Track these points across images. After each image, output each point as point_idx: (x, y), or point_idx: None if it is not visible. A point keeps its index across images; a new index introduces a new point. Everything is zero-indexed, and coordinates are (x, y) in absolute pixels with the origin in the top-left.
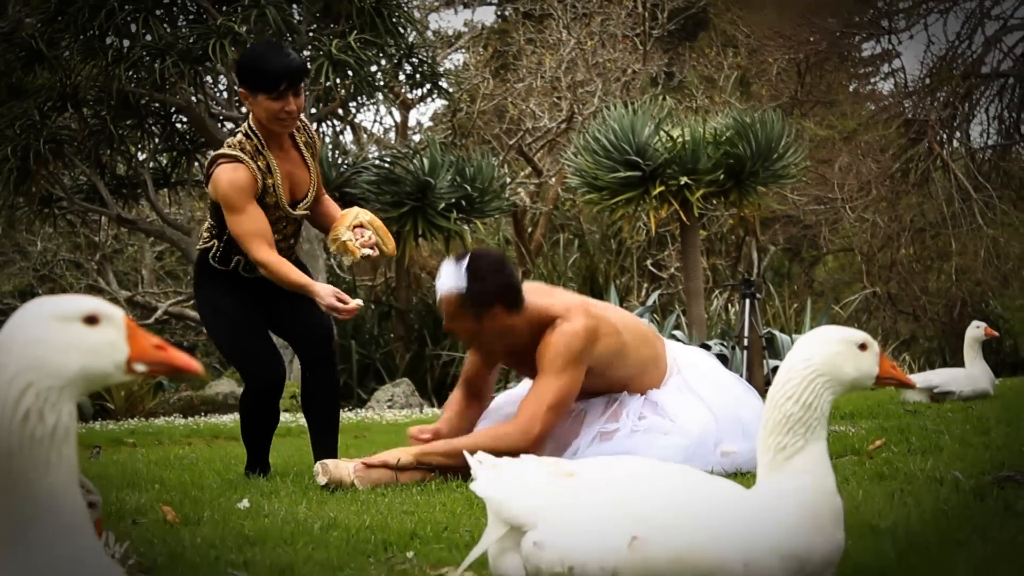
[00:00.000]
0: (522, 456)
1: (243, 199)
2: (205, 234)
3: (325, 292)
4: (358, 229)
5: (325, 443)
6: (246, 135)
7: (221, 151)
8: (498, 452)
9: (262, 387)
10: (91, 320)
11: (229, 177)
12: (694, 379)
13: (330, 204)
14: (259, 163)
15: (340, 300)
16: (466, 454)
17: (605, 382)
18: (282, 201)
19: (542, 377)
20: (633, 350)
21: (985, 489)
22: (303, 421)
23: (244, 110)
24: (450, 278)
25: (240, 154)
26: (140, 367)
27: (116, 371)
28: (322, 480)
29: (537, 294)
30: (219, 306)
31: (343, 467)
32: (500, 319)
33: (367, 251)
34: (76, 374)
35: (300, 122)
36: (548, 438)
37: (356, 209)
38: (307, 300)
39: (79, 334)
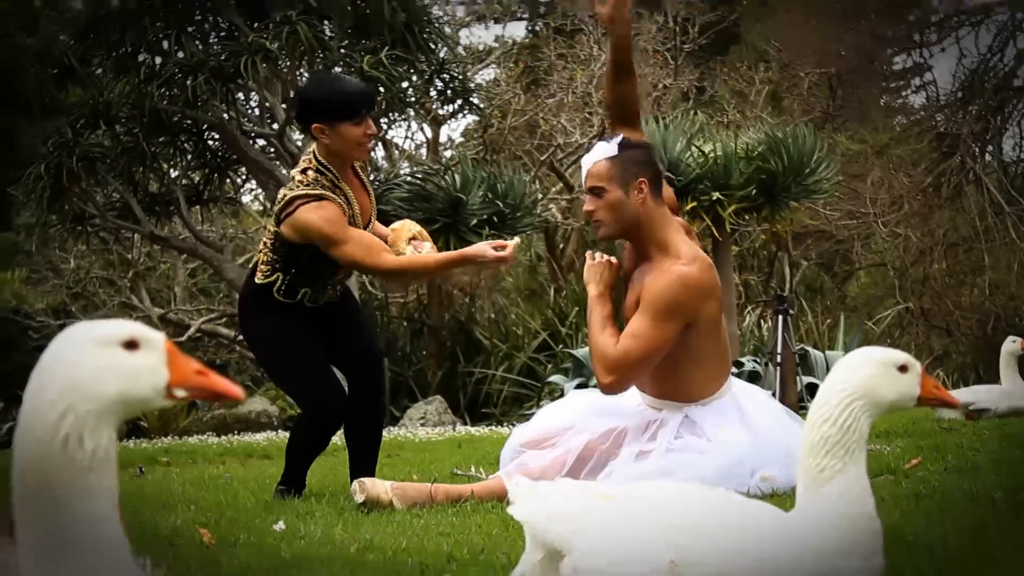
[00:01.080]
0: (558, 479)
1: (342, 230)
2: (265, 267)
3: (479, 249)
4: (415, 242)
5: (364, 468)
6: (318, 171)
7: (298, 192)
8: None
9: (327, 414)
10: (131, 345)
11: (320, 215)
12: (743, 401)
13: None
14: (339, 196)
15: (498, 248)
16: (504, 478)
17: (678, 365)
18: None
19: (645, 317)
20: (724, 334)
21: (1023, 507)
22: (338, 440)
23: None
24: (602, 149)
25: (322, 192)
26: (180, 392)
27: (156, 396)
28: (359, 498)
29: (674, 226)
30: (281, 334)
31: (380, 485)
32: (645, 195)
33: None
34: (115, 399)
35: None
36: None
37: (407, 222)
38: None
39: (119, 359)
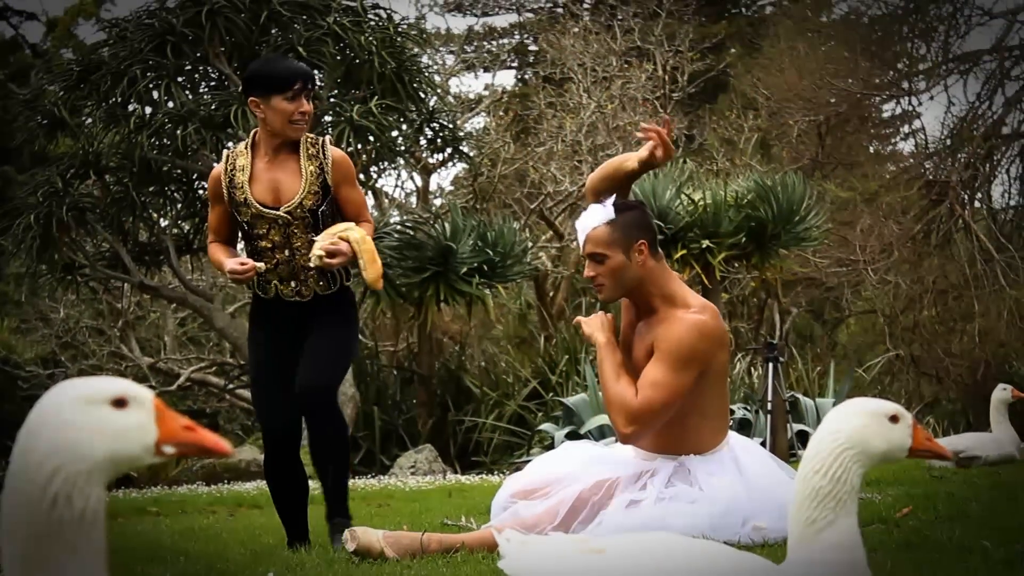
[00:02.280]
0: (549, 532)
1: (209, 193)
2: None
3: (228, 263)
4: (342, 243)
5: (329, 499)
6: (247, 145)
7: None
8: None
9: (266, 436)
10: (119, 403)
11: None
12: (739, 452)
13: (362, 228)
14: (237, 162)
15: (241, 264)
16: (495, 533)
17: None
18: (250, 197)
19: (663, 366)
20: (727, 386)
21: (1015, 559)
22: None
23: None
24: (599, 213)
25: (227, 151)
26: (169, 449)
27: (145, 454)
28: (351, 547)
29: (675, 278)
30: (250, 342)
31: (372, 534)
32: (645, 256)
33: (316, 254)
34: (104, 458)
35: (318, 140)
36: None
37: (351, 224)
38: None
39: (107, 417)
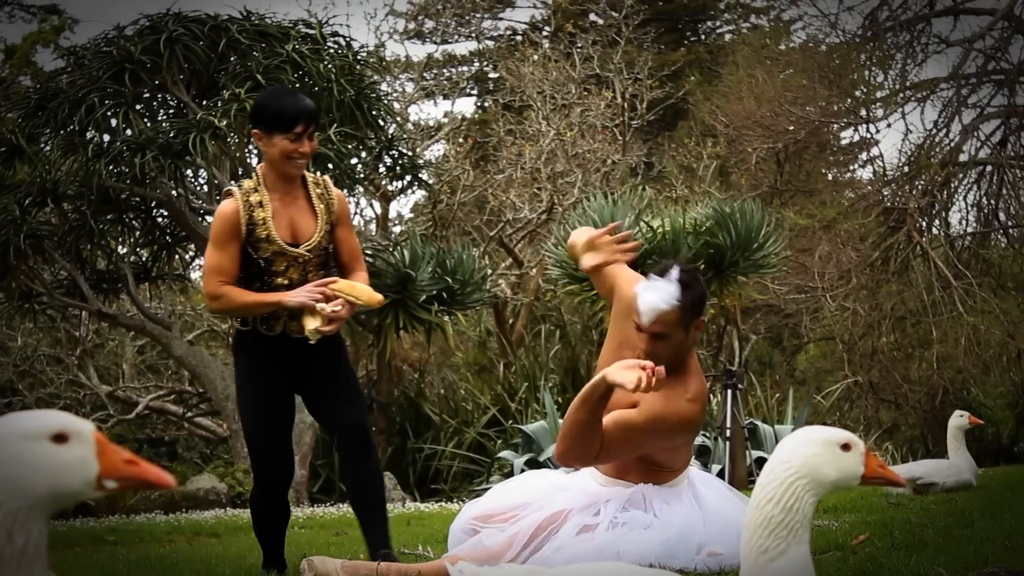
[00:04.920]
0: (503, 564)
1: (222, 231)
2: None
3: (294, 294)
4: (332, 301)
5: (372, 535)
6: (251, 177)
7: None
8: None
9: (263, 485)
10: (59, 438)
11: (219, 209)
12: (699, 485)
13: (357, 278)
14: (252, 199)
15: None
16: (448, 565)
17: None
18: (274, 233)
19: (640, 419)
20: (690, 447)
21: None
22: (295, 514)
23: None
24: (666, 293)
25: (235, 189)
26: (110, 483)
27: (86, 488)
28: None
29: (693, 351)
30: (247, 383)
31: (330, 563)
32: (700, 332)
33: (313, 329)
34: (45, 494)
35: (321, 179)
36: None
37: (327, 279)
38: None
39: (47, 453)
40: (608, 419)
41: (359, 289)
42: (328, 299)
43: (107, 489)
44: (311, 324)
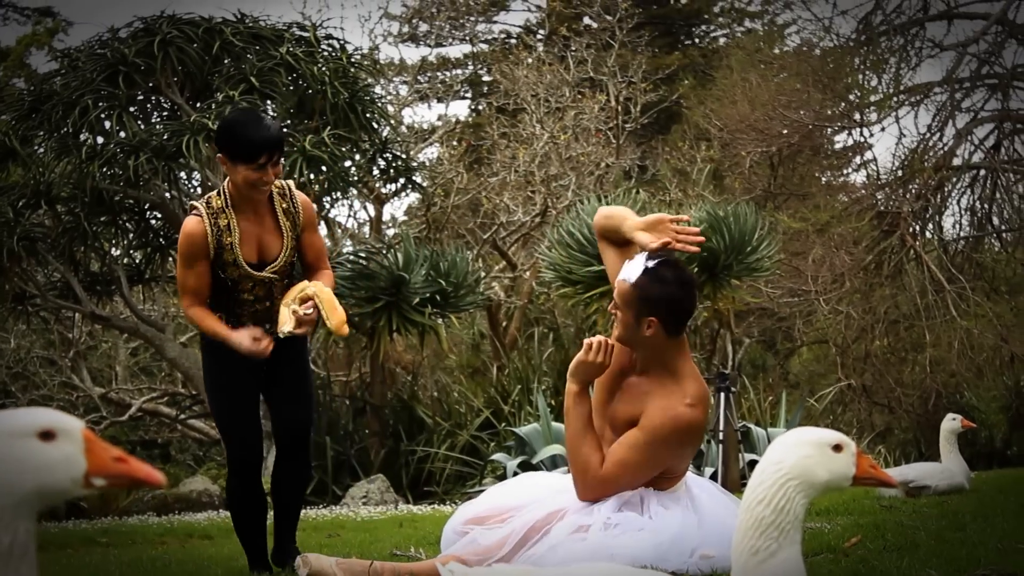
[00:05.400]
0: (493, 565)
1: (189, 252)
2: None
3: (239, 339)
4: (302, 306)
5: (286, 528)
6: (218, 193)
7: (195, 203)
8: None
9: (235, 457)
10: (47, 435)
11: (185, 228)
12: (695, 490)
13: (323, 276)
14: (220, 221)
15: (257, 339)
16: (439, 565)
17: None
18: (240, 260)
19: (637, 448)
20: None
21: None
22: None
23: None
24: (629, 268)
25: (201, 208)
26: (99, 481)
27: (73, 486)
28: (303, 572)
29: (686, 354)
30: (214, 375)
31: (324, 560)
32: (653, 332)
33: (286, 330)
34: (31, 492)
35: (287, 190)
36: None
37: (305, 282)
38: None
39: (34, 450)
40: (615, 447)
41: (335, 312)
42: (303, 301)
43: (96, 487)
44: (284, 326)
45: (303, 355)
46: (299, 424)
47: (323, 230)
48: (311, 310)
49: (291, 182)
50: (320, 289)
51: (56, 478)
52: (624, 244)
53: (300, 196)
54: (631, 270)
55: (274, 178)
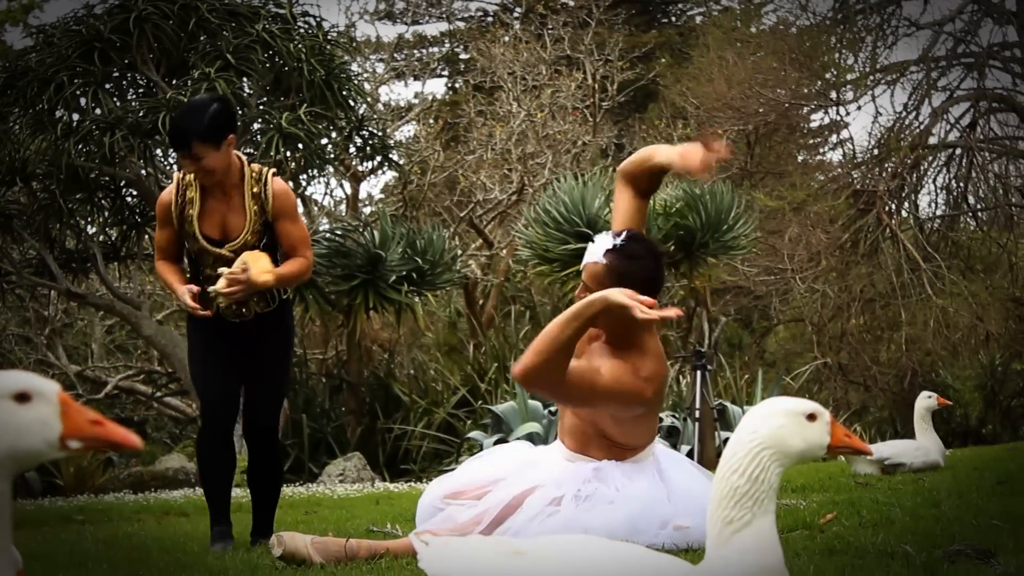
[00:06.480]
0: (470, 534)
1: (158, 215)
2: None
3: (182, 292)
4: (238, 275)
5: (260, 515)
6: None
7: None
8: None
9: (207, 415)
10: (22, 397)
11: (160, 195)
12: (664, 461)
13: (289, 265)
14: (188, 193)
15: (194, 296)
16: (412, 538)
17: (607, 433)
18: (198, 233)
19: (589, 370)
20: (653, 421)
21: (936, 564)
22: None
23: None
24: (600, 247)
25: (175, 178)
26: (74, 444)
27: (48, 448)
28: (277, 552)
29: (653, 332)
30: (198, 350)
31: (299, 539)
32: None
33: (218, 286)
34: (5, 454)
35: (263, 176)
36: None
37: (243, 255)
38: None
39: (8, 412)
40: (575, 363)
41: (257, 263)
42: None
43: (71, 449)
44: (217, 285)
45: (279, 341)
46: (263, 422)
47: (300, 207)
48: (237, 276)
49: (270, 170)
50: (251, 252)
51: (31, 440)
52: (646, 188)
53: (276, 184)
54: (596, 250)
55: (199, 171)
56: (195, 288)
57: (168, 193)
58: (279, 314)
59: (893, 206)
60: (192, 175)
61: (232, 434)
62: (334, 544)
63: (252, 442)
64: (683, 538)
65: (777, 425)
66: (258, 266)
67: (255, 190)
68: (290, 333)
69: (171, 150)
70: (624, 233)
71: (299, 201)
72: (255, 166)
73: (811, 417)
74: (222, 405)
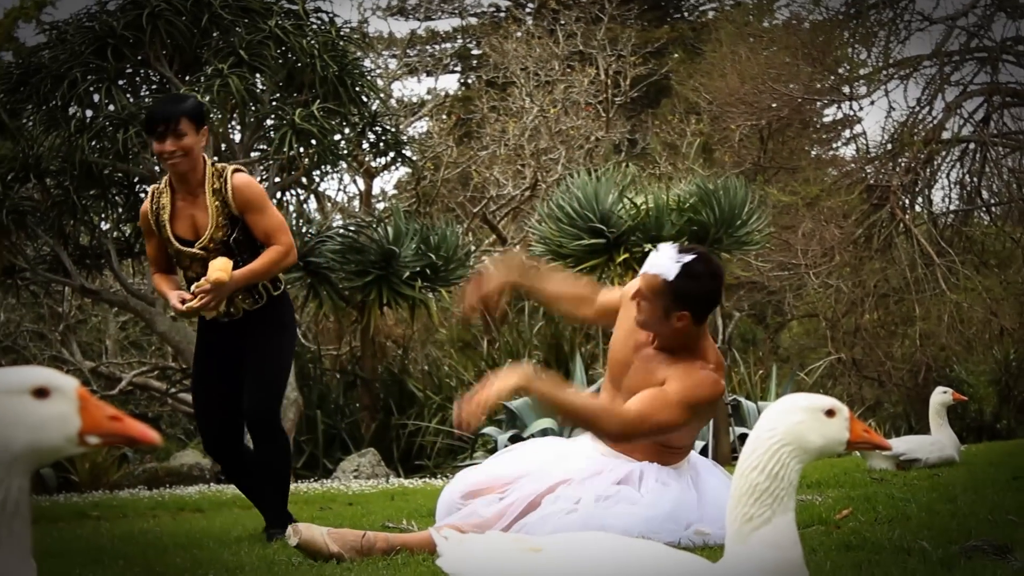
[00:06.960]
0: (488, 532)
1: (143, 228)
2: None
3: (171, 297)
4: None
5: (268, 506)
6: (168, 174)
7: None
8: (591, 423)
9: (196, 417)
10: (41, 393)
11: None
12: (701, 470)
13: (260, 257)
14: (162, 200)
15: (183, 301)
16: (433, 532)
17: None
18: (170, 235)
19: (671, 391)
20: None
21: (952, 559)
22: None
23: None
24: (663, 261)
25: (151, 189)
26: (93, 439)
27: (67, 444)
28: (293, 541)
29: (706, 332)
30: (196, 357)
31: (316, 529)
32: (684, 324)
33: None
34: (24, 449)
35: (224, 172)
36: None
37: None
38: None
39: (28, 408)
40: (635, 399)
41: (215, 265)
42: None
43: (90, 445)
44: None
45: (271, 334)
46: (253, 414)
47: (313, 204)
48: (203, 285)
49: (231, 165)
50: (215, 260)
51: (50, 435)
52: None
53: (236, 178)
54: (661, 264)
55: (175, 150)
56: (186, 295)
57: (145, 205)
58: (270, 309)
59: (907, 201)
60: (164, 179)
61: (235, 434)
62: (351, 536)
63: (251, 434)
64: (701, 540)
65: (796, 421)
66: (214, 266)
67: (215, 186)
68: (283, 327)
69: (151, 137)
70: (689, 249)
71: (312, 197)
72: (218, 165)
73: (830, 413)
74: (218, 435)
